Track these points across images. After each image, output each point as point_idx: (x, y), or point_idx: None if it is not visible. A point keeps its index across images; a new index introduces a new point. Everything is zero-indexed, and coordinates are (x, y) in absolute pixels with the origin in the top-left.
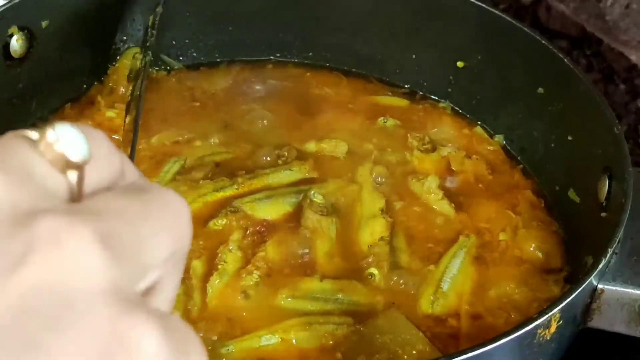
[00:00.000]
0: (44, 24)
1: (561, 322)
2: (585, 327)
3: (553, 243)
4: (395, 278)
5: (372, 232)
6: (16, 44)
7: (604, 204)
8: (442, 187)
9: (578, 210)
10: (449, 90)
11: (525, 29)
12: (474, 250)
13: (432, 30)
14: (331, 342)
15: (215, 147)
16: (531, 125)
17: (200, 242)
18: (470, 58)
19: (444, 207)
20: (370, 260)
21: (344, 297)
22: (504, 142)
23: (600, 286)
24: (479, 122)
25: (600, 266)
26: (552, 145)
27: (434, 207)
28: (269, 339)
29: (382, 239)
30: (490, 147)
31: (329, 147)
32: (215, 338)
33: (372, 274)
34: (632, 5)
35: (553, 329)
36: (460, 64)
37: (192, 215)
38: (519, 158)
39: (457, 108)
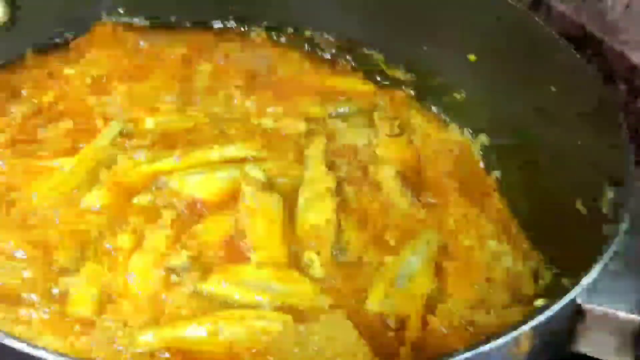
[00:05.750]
0: None
1: (537, 341)
2: (572, 352)
3: (525, 264)
4: (339, 267)
5: (317, 213)
6: None
7: (605, 215)
8: (406, 177)
9: (570, 223)
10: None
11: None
12: (436, 250)
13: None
14: (264, 341)
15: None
16: (535, 124)
17: (130, 218)
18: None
19: (403, 199)
20: (312, 244)
21: (279, 286)
22: (486, 144)
23: (586, 306)
24: (462, 121)
25: (585, 282)
26: (554, 153)
27: (393, 197)
28: (195, 330)
29: (327, 221)
30: (471, 149)
31: (285, 125)
32: (134, 323)
33: (310, 260)
34: (632, 5)
35: (526, 347)
36: (472, 57)
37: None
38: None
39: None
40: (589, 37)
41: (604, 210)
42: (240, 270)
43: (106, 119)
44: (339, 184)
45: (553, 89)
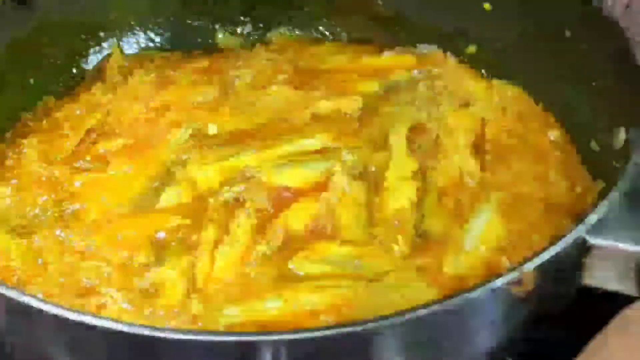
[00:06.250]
0: None
1: (541, 277)
2: (581, 285)
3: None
4: (420, 245)
5: (399, 197)
6: None
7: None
8: (474, 144)
9: (596, 159)
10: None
11: None
12: (501, 206)
13: None
14: (340, 302)
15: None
16: (554, 72)
17: (214, 210)
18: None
19: (472, 165)
20: (396, 224)
21: (363, 263)
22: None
23: (592, 241)
24: (498, 73)
25: (591, 220)
26: (576, 92)
27: (464, 165)
28: (274, 302)
29: (410, 204)
30: (514, 96)
31: (343, 104)
32: (218, 301)
33: (394, 240)
34: (632, 5)
35: (529, 286)
36: (487, 5)
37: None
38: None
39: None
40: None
41: (616, 147)
42: (324, 247)
43: (171, 127)
44: (419, 163)
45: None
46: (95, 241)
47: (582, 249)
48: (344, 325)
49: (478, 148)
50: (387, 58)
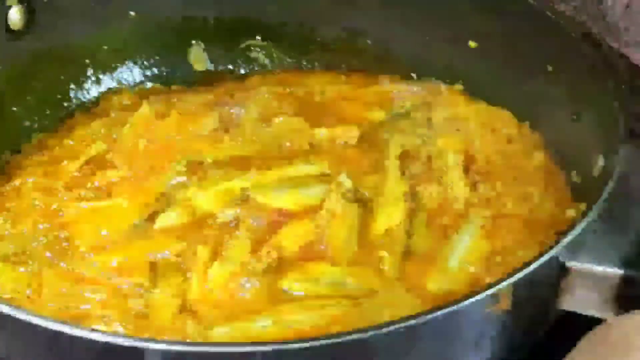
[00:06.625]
0: None
1: (518, 299)
2: (559, 309)
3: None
4: (408, 264)
5: (389, 218)
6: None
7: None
8: (464, 165)
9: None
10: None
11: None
12: (485, 224)
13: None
14: (328, 322)
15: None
16: (543, 102)
17: (209, 231)
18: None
19: (461, 186)
20: (383, 243)
21: (353, 282)
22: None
23: (569, 263)
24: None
25: (567, 240)
26: (560, 124)
27: (453, 187)
28: (263, 321)
29: (399, 224)
30: (503, 119)
31: (340, 133)
32: (208, 320)
33: (382, 257)
34: (633, 5)
35: (504, 305)
36: (472, 44)
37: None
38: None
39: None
40: (589, 37)
41: (595, 174)
42: (315, 267)
43: (170, 159)
44: (410, 185)
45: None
46: (91, 267)
47: (559, 270)
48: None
49: (467, 169)
50: (390, 87)
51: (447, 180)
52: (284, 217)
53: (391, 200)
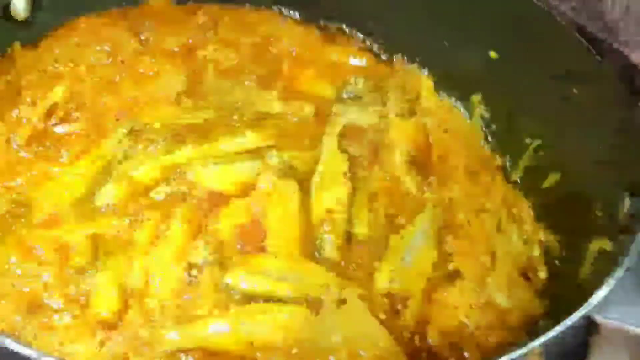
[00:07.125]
0: None
1: (549, 356)
2: None
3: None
4: (351, 249)
5: (330, 196)
6: None
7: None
8: (413, 157)
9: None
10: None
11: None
12: (439, 226)
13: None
14: (284, 336)
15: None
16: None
17: (146, 212)
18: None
19: (411, 180)
20: (326, 228)
21: (296, 275)
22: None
23: (599, 319)
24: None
25: (597, 298)
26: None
27: (402, 179)
28: (217, 327)
29: (340, 204)
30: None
31: (293, 109)
32: (158, 322)
33: (324, 243)
34: (632, 6)
35: None
36: (493, 54)
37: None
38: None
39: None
40: (588, 37)
41: (620, 218)
42: (258, 261)
43: (116, 119)
44: (351, 165)
45: (575, 91)
46: (39, 243)
47: (589, 327)
48: None
49: (415, 159)
50: (347, 50)
51: (392, 166)
52: (222, 198)
53: (329, 178)
